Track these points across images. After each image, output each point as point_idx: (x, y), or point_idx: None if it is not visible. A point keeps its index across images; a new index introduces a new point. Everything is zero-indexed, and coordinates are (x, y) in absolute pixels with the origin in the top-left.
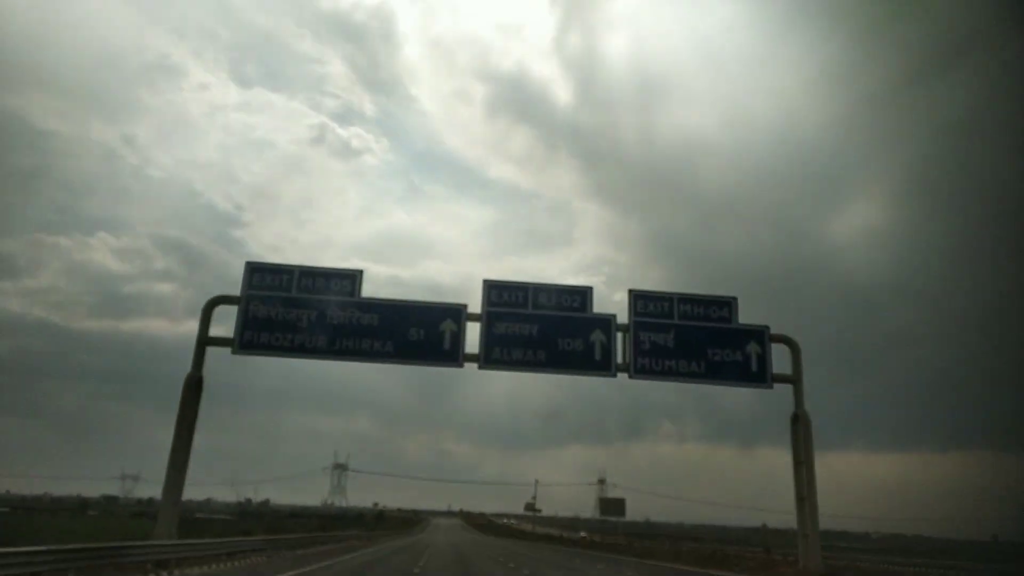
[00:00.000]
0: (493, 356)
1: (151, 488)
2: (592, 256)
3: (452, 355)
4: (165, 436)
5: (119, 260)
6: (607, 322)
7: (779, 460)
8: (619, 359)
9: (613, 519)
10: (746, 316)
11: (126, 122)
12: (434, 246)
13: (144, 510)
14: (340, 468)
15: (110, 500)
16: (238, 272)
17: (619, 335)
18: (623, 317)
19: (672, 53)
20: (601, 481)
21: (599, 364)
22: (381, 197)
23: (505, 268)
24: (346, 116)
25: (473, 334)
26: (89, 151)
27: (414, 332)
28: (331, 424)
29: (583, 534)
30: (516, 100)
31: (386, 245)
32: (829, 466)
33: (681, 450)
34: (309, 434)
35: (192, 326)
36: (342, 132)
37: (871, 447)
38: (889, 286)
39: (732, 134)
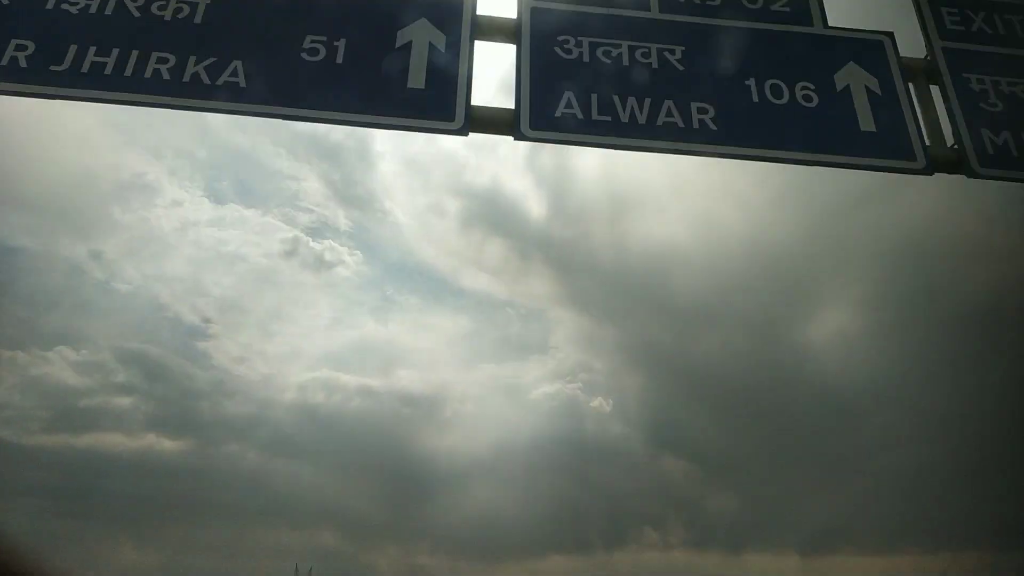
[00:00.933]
0: (553, 111)
1: None
2: (570, 363)
3: (439, 103)
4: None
5: (77, 374)
6: (876, 48)
7: (768, 566)
8: (920, 136)
9: None
10: (725, 421)
11: (95, 238)
12: (407, 355)
13: None
14: None
15: None
16: (202, 384)
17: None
18: None
19: (641, 168)
20: None
21: (864, 142)
22: (354, 308)
23: (481, 376)
24: (320, 230)
25: (499, 67)
26: (54, 266)
27: (340, 46)
28: (295, 538)
29: None
30: (490, 213)
31: (358, 355)
32: (818, 570)
33: (667, 557)
34: (272, 551)
35: (151, 440)
36: (315, 245)
37: (859, 551)
38: (865, 390)
39: (703, 244)
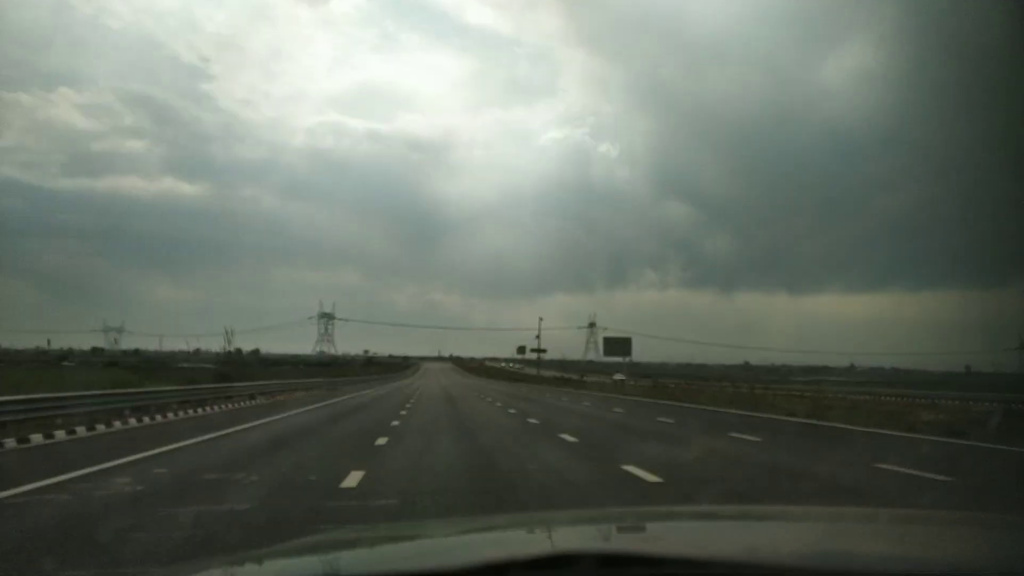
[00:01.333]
0: None
1: (136, 339)
2: (578, 107)
3: None
4: (148, 291)
5: (85, 116)
6: None
7: (756, 303)
8: None
9: (619, 359)
10: (732, 165)
11: None
12: (412, 99)
13: (120, 360)
14: (326, 317)
15: (96, 352)
16: (210, 127)
17: None
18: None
19: None
20: (591, 324)
21: None
22: (354, 47)
23: (488, 121)
24: None
25: None
26: (39, 2)
27: None
28: (318, 278)
29: (619, 376)
30: None
31: (362, 98)
32: (805, 308)
33: (664, 296)
34: (297, 288)
35: (169, 184)
36: None
37: (846, 289)
38: (875, 131)
39: None
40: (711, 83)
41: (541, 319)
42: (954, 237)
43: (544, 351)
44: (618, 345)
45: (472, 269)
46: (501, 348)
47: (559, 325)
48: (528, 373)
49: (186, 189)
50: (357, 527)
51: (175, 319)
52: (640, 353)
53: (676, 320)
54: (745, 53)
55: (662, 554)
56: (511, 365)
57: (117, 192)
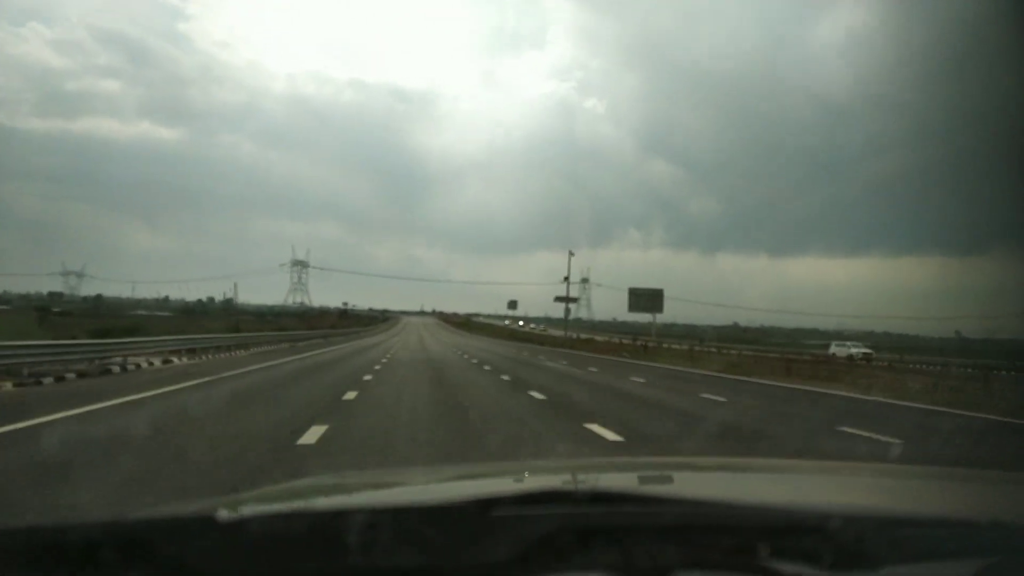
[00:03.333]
0: None
1: (107, 286)
2: (566, 60)
3: None
4: (124, 238)
5: (57, 54)
6: None
7: (740, 265)
8: None
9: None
10: (719, 126)
11: None
12: (397, 46)
13: (64, 305)
14: (300, 265)
15: (53, 296)
16: (188, 69)
17: None
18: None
19: None
20: (584, 280)
21: None
22: None
23: (474, 72)
24: None
25: None
26: None
27: None
28: (298, 229)
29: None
30: None
31: (346, 44)
32: (785, 270)
33: (647, 256)
34: (276, 239)
35: (146, 128)
36: None
37: (827, 252)
38: (864, 94)
39: None
40: (703, 40)
41: (572, 262)
42: (937, 203)
43: (575, 299)
44: (647, 299)
45: (455, 224)
46: (484, 304)
47: (541, 281)
48: (552, 335)
49: (163, 133)
50: (340, 473)
51: (151, 266)
52: (621, 313)
53: (659, 281)
54: (740, 9)
55: (650, 494)
56: (535, 327)
57: (93, 134)
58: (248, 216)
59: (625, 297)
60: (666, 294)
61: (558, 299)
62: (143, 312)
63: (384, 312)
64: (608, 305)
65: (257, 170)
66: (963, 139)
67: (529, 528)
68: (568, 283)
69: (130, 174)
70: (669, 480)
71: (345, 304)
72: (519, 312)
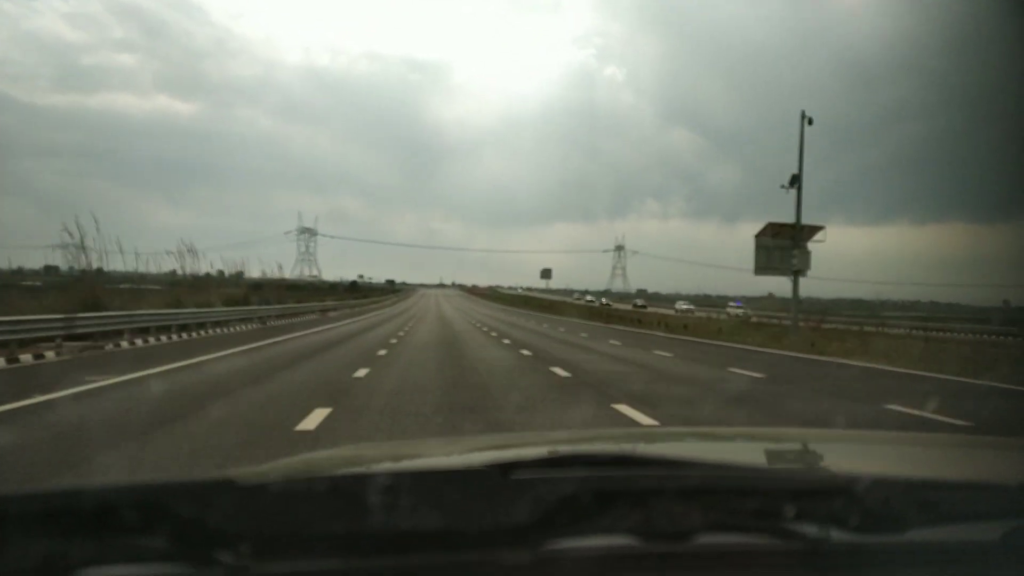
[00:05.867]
0: None
1: (113, 258)
2: (584, 25)
3: None
4: (143, 212)
5: (72, 27)
6: None
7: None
8: None
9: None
10: (743, 91)
11: None
12: (409, 13)
13: (54, 280)
14: (307, 233)
15: (49, 270)
16: (203, 41)
17: None
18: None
19: None
20: (619, 248)
21: None
22: None
23: (489, 40)
24: None
25: None
26: None
27: None
28: (316, 203)
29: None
30: None
31: (360, 14)
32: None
33: (666, 226)
34: (294, 212)
35: (163, 102)
36: None
37: (850, 221)
38: (890, 59)
39: None
40: (724, 4)
41: (591, 232)
42: (963, 170)
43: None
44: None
45: (473, 196)
46: (505, 277)
47: (564, 249)
48: (661, 312)
49: (180, 108)
50: (359, 444)
51: (172, 241)
52: (651, 283)
53: (680, 252)
54: None
55: (673, 457)
56: (598, 300)
57: (110, 110)
58: (267, 190)
59: (659, 267)
60: (678, 266)
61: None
62: (127, 285)
63: (391, 282)
64: (640, 275)
65: (274, 143)
66: (990, 105)
67: (550, 490)
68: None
69: (148, 151)
70: (691, 445)
71: (361, 276)
72: (553, 283)
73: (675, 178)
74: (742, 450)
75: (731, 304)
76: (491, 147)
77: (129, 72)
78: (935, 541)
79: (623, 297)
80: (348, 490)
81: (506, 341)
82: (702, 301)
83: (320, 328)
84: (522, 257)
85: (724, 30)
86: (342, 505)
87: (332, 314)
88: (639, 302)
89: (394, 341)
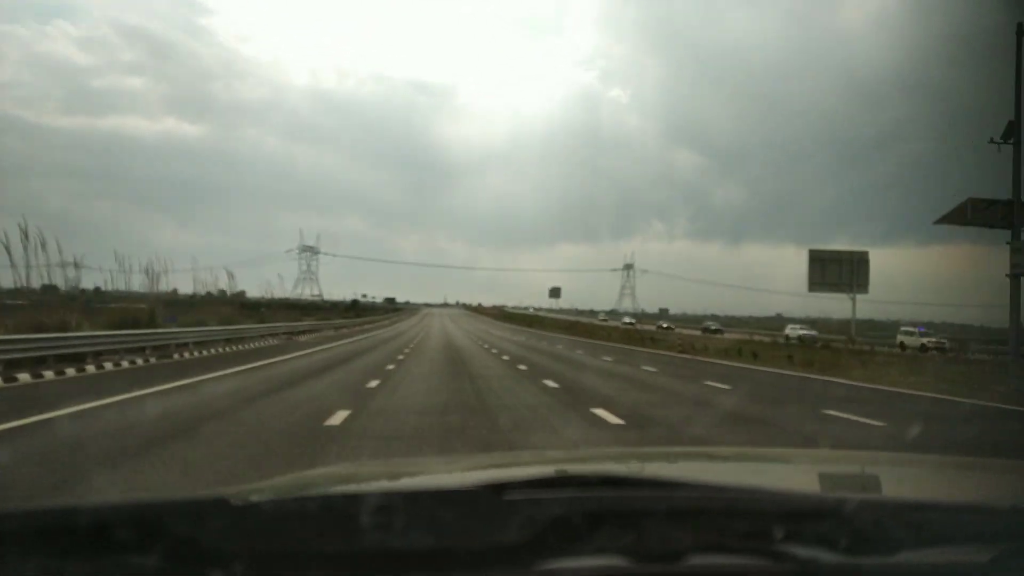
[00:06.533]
0: None
1: (98, 277)
2: (587, 47)
3: None
4: (152, 233)
5: (82, 51)
6: None
7: (763, 255)
8: None
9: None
10: (745, 113)
11: None
12: (415, 36)
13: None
14: (309, 251)
15: (48, 290)
16: (211, 63)
17: None
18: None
19: None
20: (628, 267)
21: None
22: None
23: (493, 63)
24: None
25: None
26: None
27: None
28: (322, 222)
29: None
30: None
31: (366, 36)
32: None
33: (671, 247)
34: (300, 232)
35: (171, 125)
36: None
37: (855, 241)
38: (893, 78)
39: None
40: (730, 25)
41: (596, 253)
42: (967, 190)
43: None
44: (843, 268)
45: (477, 216)
46: (510, 296)
47: (575, 268)
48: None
49: (188, 130)
50: (354, 463)
51: (178, 262)
52: (659, 303)
53: (684, 272)
54: None
55: (664, 478)
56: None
57: (119, 132)
58: (273, 210)
59: (667, 286)
60: (689, 286)
61: (551, 293)
62: (114, 305)
63: (391, 300)
64: (648, 294)
65: (281, 164)
66: (995, 124)
67: (542, 511)
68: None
69: (155, 172)
70: (683, 466)
71: (364, 295)
72: (562, 302)
73: (679, 198)
74: (733, 471)
75: (905, 329)
76: (496, 168)
77: (137, 95)
78: (925, 563)
79: (639, 317)
80: (341, 509)
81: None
82: (732, 323)
83: (249, 366)
84: (527, 277)
85: (728, 50)
86: (335, 524)
87: (303, 338)
88: (663, 324)
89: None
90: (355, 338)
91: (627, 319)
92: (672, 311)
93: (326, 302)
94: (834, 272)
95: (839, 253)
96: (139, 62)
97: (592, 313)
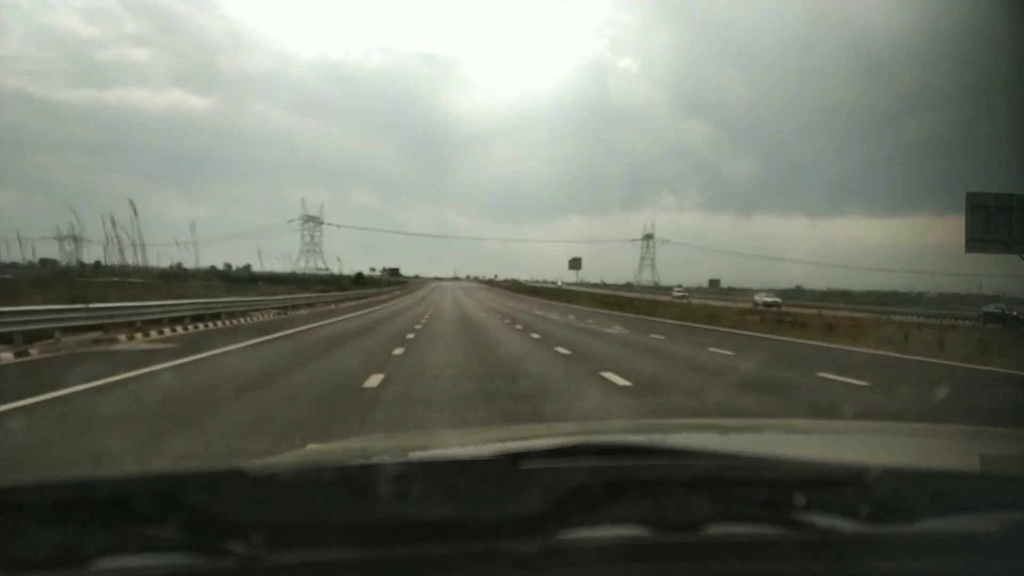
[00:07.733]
0: None
1: (97, 251)
2: (598, 16)
3: None
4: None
5: (87, 23)
6: None
7: (776, 227)
8: None
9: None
10: (752, 82)
11: None
12: (421, 5)
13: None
14: (312, 221)
15: (45, 263)
16: (217, 35)
17: None
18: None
19: None
20: (648, 237)
21: None
22: None
23: (500, 31)
24: None
25: None
26: None
27: None
28: (331, 197)
29: None
30: None
31: (373, 14)
32: (826, 232)
33: (680, 219)
34: (306, 204)
35: (177, 97)
36: None
37: (868, 213)
38: (907, 46)
39: None
40: None
41: (608, 224)
42: (983, 162)
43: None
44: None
45: (486, 190)
46: (521, 270)
47: (588, 239)
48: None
49: (194, 103)
50: (371, 436)
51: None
52: (679, 275)
53: (695, 243)
54: None
55: (682, 447)
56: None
57: (126, 105)
58: (280, 183)
59: (689, 255)
60: (703, 257)
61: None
62: (116, 279)
63: (393, 271)
64: (662, 266)
65: (287, 137)
66: (1008, 95)
67: (560, 480)
68: None
69: (163, 145)
70: (700, 435)
71: (373, 269)
72: (583, 274)
73: (690, 169)
74: (751, 440)
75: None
76: (504, 140)
77: (143, 67)
78: (945, 531)
79: (660, 289)
80: (358, 480)
81: None
82: (793, 294)
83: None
84: (538, 248)
85: (739, 16)
86: (352, 495)
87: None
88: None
89: None
90: (353, 315)
91: (763, 296)
92: (686, 284)
93: (333, 275)
94: (1003, 225)
95: (1011, 198)
96: (144, 34)
97: (627, 287)
